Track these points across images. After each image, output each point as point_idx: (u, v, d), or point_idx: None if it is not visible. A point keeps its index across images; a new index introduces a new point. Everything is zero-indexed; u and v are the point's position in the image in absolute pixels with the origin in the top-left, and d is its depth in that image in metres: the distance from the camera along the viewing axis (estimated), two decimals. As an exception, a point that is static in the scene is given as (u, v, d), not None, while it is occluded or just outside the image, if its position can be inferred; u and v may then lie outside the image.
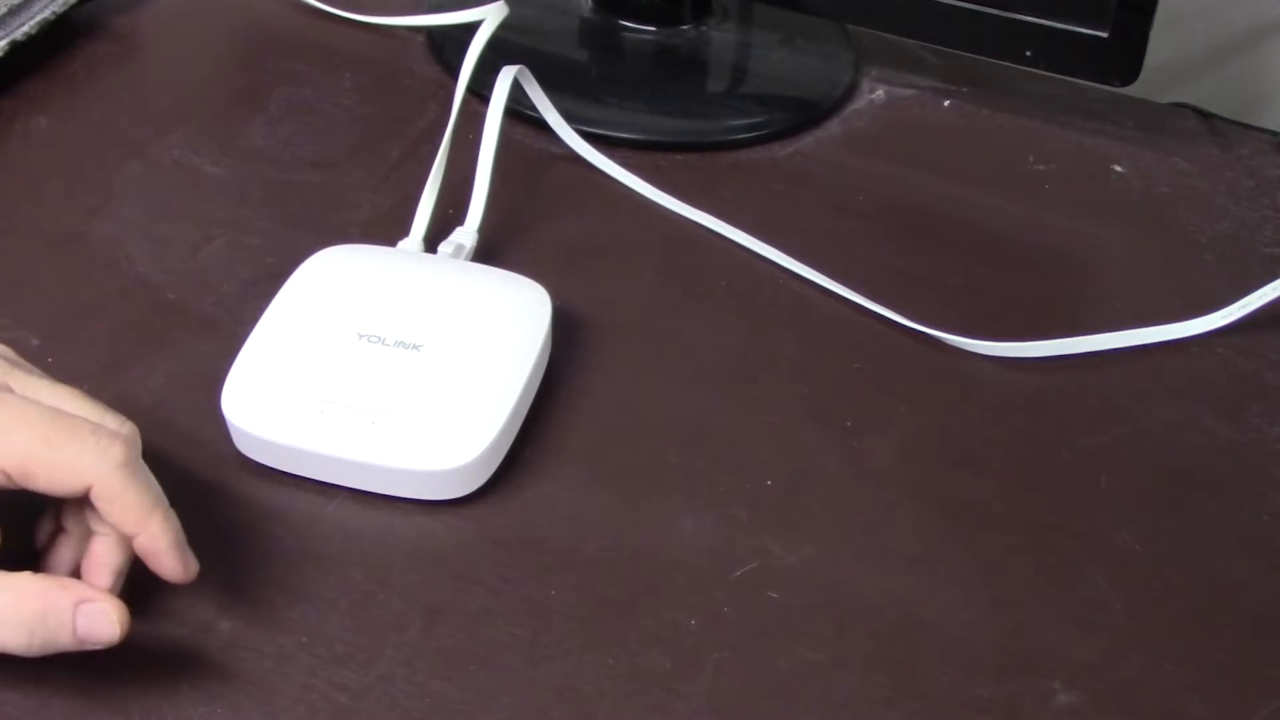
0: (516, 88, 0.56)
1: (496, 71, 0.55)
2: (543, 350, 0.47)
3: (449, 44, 0.66)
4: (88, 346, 0.49)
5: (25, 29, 0.61)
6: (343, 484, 0.44)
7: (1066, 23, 0.57)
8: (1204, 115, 0.66)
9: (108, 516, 0.37)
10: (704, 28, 0.68)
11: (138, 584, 0.39)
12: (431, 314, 0.47)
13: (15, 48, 0.60)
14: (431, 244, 0.53)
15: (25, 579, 0.36)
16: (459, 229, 0.53)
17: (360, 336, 0.46)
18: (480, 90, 0.56)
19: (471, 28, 0.57)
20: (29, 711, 0.37)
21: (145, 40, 0.67)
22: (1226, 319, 0.53)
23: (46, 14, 0.62)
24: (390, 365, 0.45)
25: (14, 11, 0.61)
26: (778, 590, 0.43)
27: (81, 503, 0.38)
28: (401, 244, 0.53)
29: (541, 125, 0.59)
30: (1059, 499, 0.47)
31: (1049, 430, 0.49)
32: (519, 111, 0.59)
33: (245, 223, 0.56)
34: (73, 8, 0.64)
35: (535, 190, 0.58)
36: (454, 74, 0.64)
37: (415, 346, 0.45)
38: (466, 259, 0.52)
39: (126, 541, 0.37)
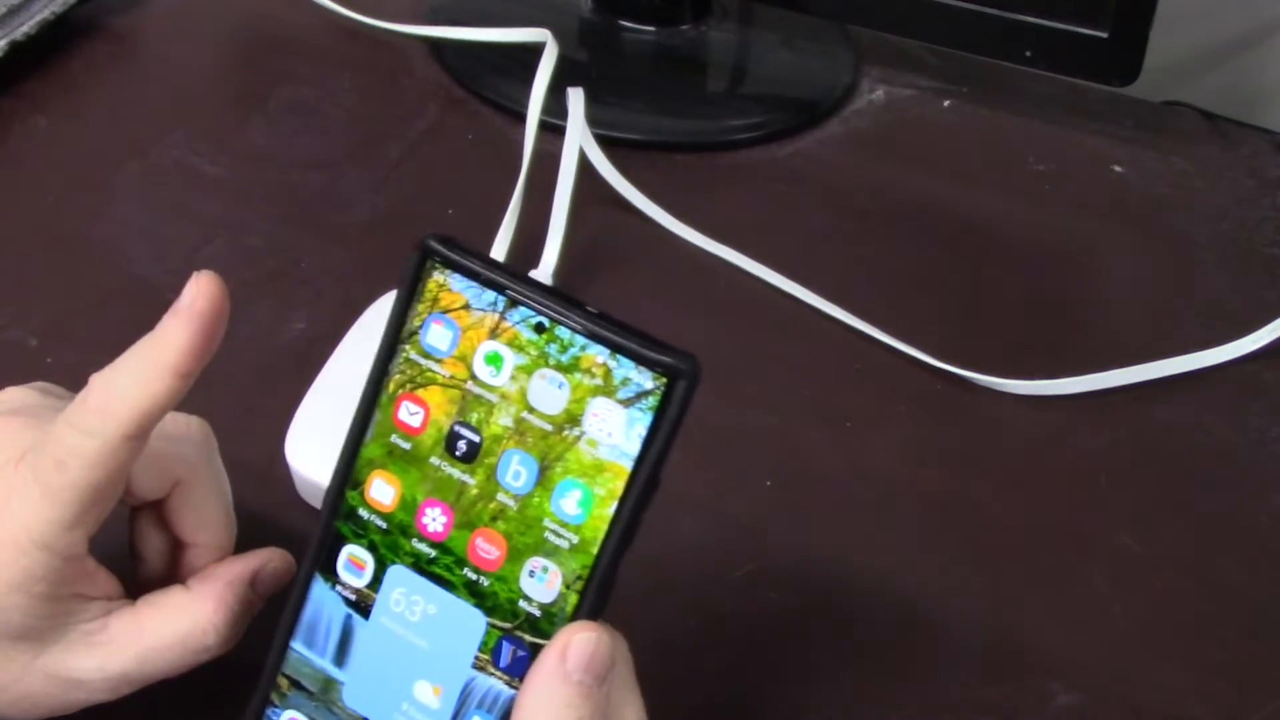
0: (509, 85, 0.55)
1: (513, 80, 0.53)
2: None
3: (449, 45, 0.66)
4: (88, 346, 0.49)
5: (25, 29, 0.61)
6: None
7: (1066, 23, 0.57)
8: (1204, 115, 0.66)
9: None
10: (704, 28, 0.68)
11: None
12: None
13: (15, 48, 0.60)
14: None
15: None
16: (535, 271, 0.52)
17: None
18: (481, 92, 0.56)
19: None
20: None
21: (145, 40, 0.67)
22: (1255, 344, 0.52)
23: (46, 14, 0.62)
24: None
25: (14, 11, 0.62)
26: (778, 590, 0.43)
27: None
28: None
29: (543, 125, 0.59)
30: (1059, 499, 0.47)
31: (1049, 430, 0.49)
32: (515, 110, 0.59)
33: (245, 223, 0.56)
34: (72, 8, 0.64)
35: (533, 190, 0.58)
36: (454, 75, 0.65)
37: None
38: None
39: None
